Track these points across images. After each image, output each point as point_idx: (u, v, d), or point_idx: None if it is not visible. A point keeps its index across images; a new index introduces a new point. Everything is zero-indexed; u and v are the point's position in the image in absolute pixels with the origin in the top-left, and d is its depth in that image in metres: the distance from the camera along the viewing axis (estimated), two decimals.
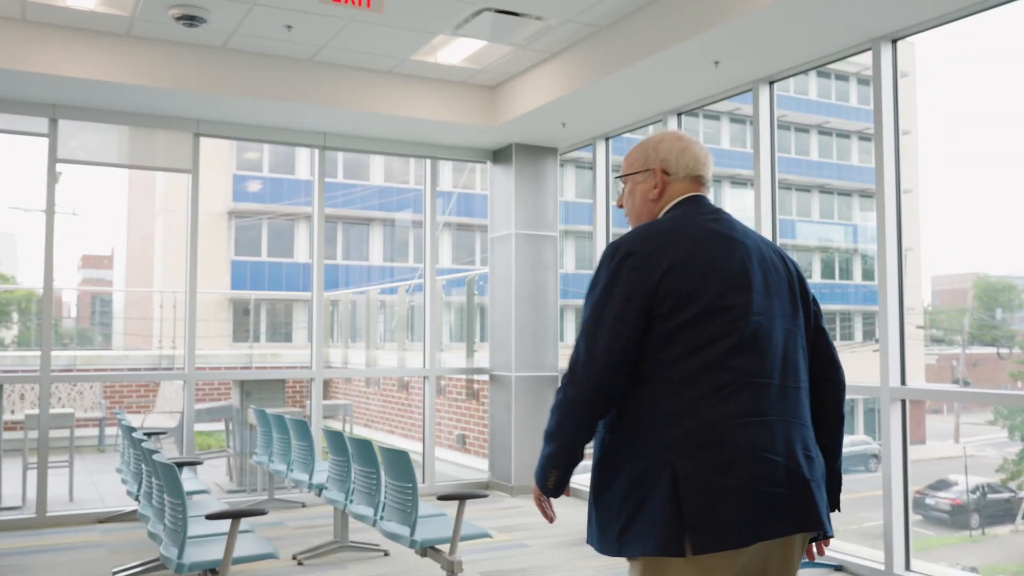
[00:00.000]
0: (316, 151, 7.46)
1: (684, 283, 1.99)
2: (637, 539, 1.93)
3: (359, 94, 6.68)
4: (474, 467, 8.72)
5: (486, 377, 8.25)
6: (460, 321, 10.74)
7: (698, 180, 2.21)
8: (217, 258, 23.28)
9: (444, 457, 8.44)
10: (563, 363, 7.97)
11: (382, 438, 11.65)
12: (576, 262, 22.65)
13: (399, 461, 4.19)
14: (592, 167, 7.60)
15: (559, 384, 2.19)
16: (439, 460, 8.01)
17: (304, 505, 7.05)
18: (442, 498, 4.01)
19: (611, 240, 2.52)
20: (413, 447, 10.56)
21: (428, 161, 7.94)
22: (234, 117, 6.85)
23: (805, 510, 1.97)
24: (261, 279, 24.70)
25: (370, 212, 25.64)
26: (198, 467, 6.11)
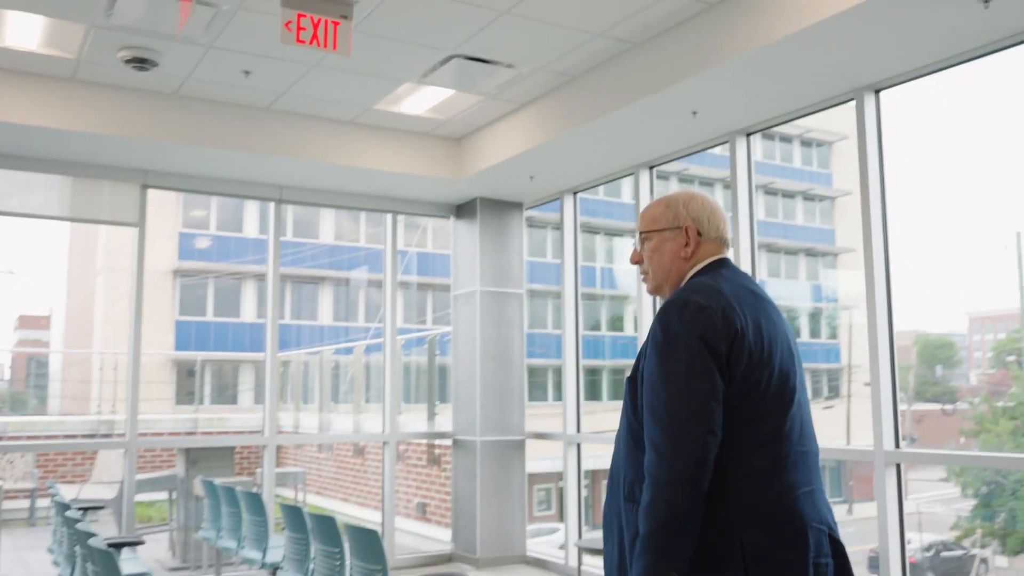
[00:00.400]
0: (271, 205, 7.11)
1: (755, 344, 1.96)
2: None
3: (318, 144, 6.39)
4: (436, 538, 8.25)
5: (449, 441, 7.85)
6: (419, 382, 10.34)
7: (724, 242, 2.20)
8: (161, 318, 22.56)
9: (403, 527, 7.98)
10: (531, 426, 7.62)
11: (336, 507, 11.09)
12: (531, 321, 22.43)
13: (367, 541, 3.80)
14: (558, 225, 7.37)
15: (647, 462, 1.91)
16: (397, 530, 7.55)
17: None
18: None
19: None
20: (369, 516, 10.05)
21: (389, 216, 7.63)
22: (185, 168, 6.49)
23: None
24: (206, 339, 23.98)
25: (321, 271, 25.18)
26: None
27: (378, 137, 6.60)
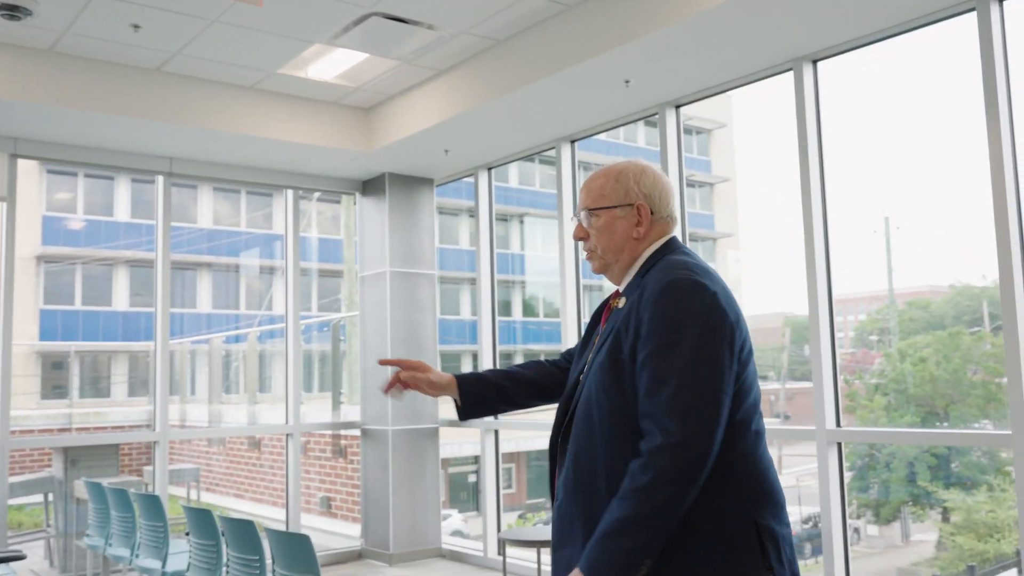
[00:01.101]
0: (160, 179, 6.50)
1: (745, 327, 1.92)
2: None
3: (214, 111, 5.83)
4: (343, 533, 7.81)
5: (356, 432, 7.42)
6: (321, 371, 9.82)
7: (675, 220, 2.09)
8: (24, 307, 21.01)
9: (307, 524, 7.50)
10: (446, 413, 7.27)
11: (230, 504, 10.45)
12: (445, 307, 22.08)
13: (295, 547, 3.39)
14: (472, 211, 7.03)
15: (649, 445, 1.78)
16: (302, 528, 7.06)
17: None
18: None
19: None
20: (266, 512, 9.49)
21: (290, 193, 7.11)
22: (61, 136, 5.82)
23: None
24: (75, 329, 22.51)
25: (201, 256, 24.00)
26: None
27: (281, 105, 6.10)
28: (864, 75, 4.89)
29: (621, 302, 1.97)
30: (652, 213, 2.02)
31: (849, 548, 4.56)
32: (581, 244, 2.09)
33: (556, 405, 2.13)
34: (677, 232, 2.09)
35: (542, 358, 2.45)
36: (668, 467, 1.73)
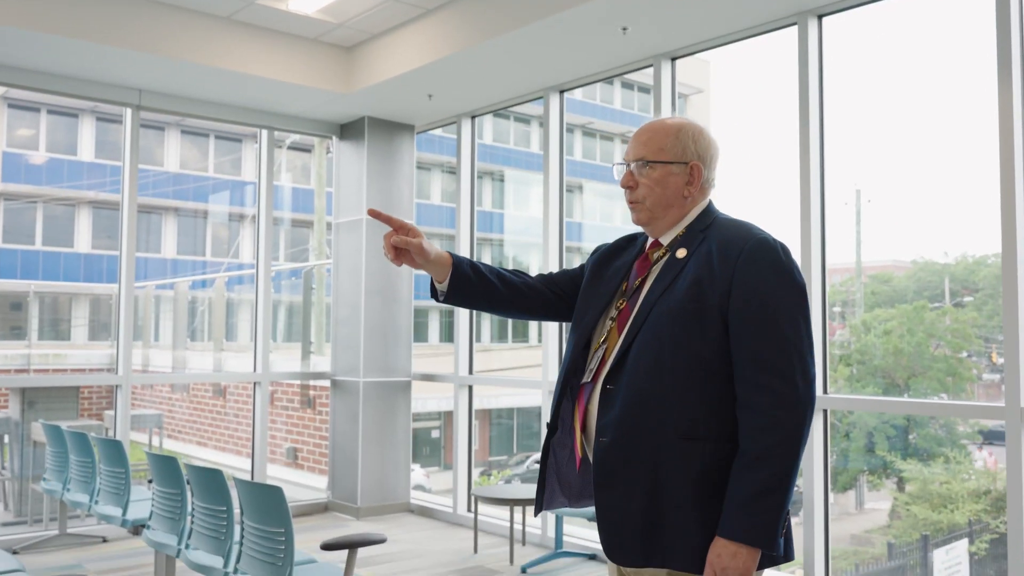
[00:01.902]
0: (128, 112, 6.20)
1: None
2: (785, 540, 1.91)
3: (187, 42, 5.54)
4: (309, 485, 7.67)
5: (326, 383, 7.24)
6: (290, 320, 9.60)
7: (714, 184, 2.12)
8: None
9: (272, 474, 7.34)
10: (419, 367, 7.11)
11: (192, 452, 10.25)
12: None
13: (266, 498, 3.23)
14: (451, 167, 6.80)
15: (767, 405, 1.85)
16: (268, 478, 6.90)
17: (105, 540, 5.80)
18: (328, 547, 3.08)
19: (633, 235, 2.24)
20: (230, 461, 9.32)
21: (263, 133, 6.84)
22: (21, 60, 5.49)
23: None
24: (34, 270, 21.97)
25: (167, 200, 23.47)
26: None
27: (258, 39, 5.81)
28: (843, 43, 4.73)
29: (680, 252, 1.99)
30: (705, 172, 2.06)
31: (829, 516, 4.52)
32: (626, 192, 2.10)
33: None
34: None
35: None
36: (794, 424, 1.83)
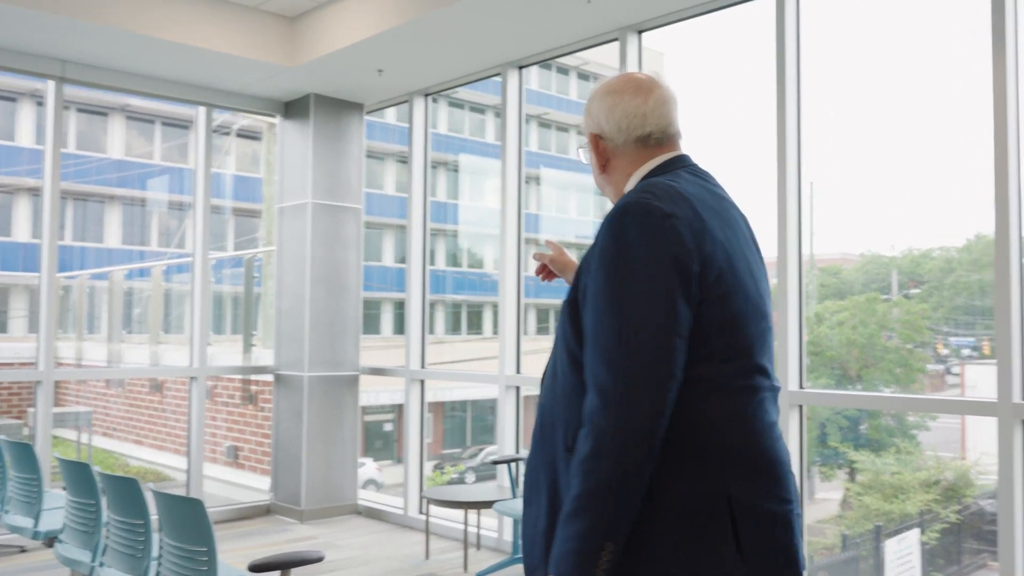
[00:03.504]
0: (50, 85, 5.71)
1: (728, 262, 1.59)
2: None
3: (115, 7, 5.07)
4: (250, 486, 7.24)
5: (269, 377, 6.82)
6: (232, 311, 9.12)
7: (660, 139, 1.75)
8: None
9: (211, 474, 6.90)
10: (371, 360, 6.72)
11: (128, 450, 9.72)
12: (368, 253, 21.44)
13: (186, 512, 2.83)
14: (403, 157, 6.41)
15: (587, 407, 1.52)
16: (205, 478, 6.46)
17: (23, 550, 5.33)
18: (257, 569, 2.70)
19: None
20: (168, 460, 8.84)
21: (202, 110, 6.38)
22: None
23: (801, 533, 1.70)
24: None
25: (109, 188, 22.65)
26: None
27: (194, 5, 5.36)
28: (808, 27, 4.47)
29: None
30: (603, 140, 1.77)
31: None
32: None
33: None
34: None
35: None
36: (610, 431, 1.46)
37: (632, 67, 4.95)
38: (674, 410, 1.51)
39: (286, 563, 2.76)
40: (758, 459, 1.58)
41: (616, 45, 5.03)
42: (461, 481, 17.93)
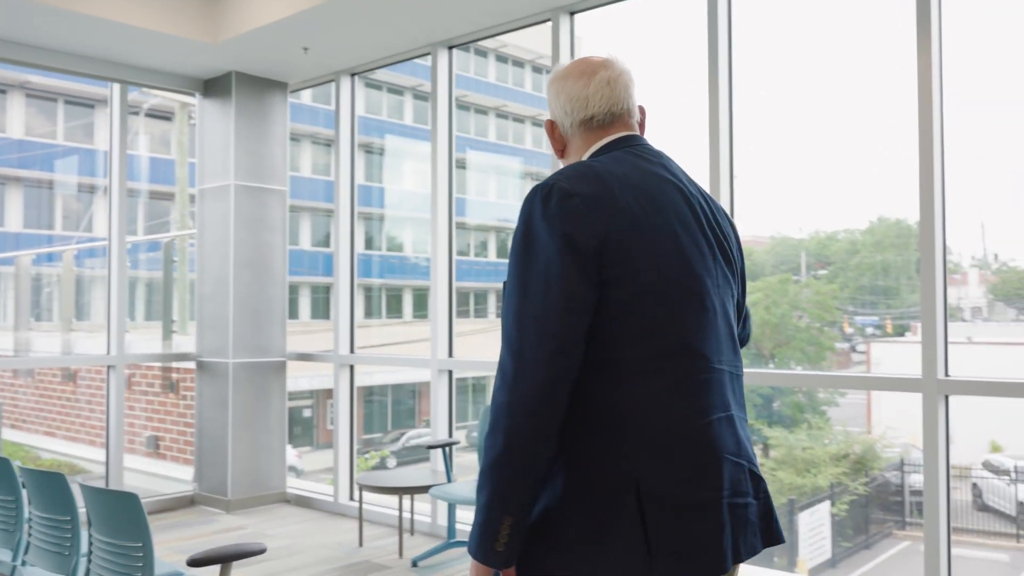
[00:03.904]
0: None
1: (640, 239, 1.57)
2: (589, 567, 1.49)
3: None
4: (172, 476, 7.03)
5: (191, 364, 6.61)
6: (148, 297, 8.81)
7: (607, 119, 1.76)
8: None
9: (131, 465, 6.66)
10: (295, 346, 6.59)
11: (39, 442, 9.32)
12: (293, 237, 20.96)
13: (121, 507, 2.72)
14: (329, 140, 6.27)
15: (495, 383, 1.56)
16: (126, 470, 6.24)
17: None
18: (196, 563, 2.60)
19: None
20: (82, 452, 8.52)
21: (116, 87, 6.11)
22: None
23: (768, 521, 1.68)
24: None
25: (10, 170, 21.62)
26: None
27: None
28: (739, 15, 4.54)
29: None
30: (559, 127, 1.80)
31: None
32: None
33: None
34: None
35: None
36: (503, 409, 1.50)
37: (564, 49, 4.93)
38: (584, 393, 1.53)
39: (226, 556, 2.67)
40: (676, 445, 1.54)
41: (548, 26, 5.01)
42: (383, 466, 17.83)
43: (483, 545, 1.50)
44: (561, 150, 1.82)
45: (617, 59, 1.80)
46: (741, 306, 1.87)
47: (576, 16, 4.95)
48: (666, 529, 1.50)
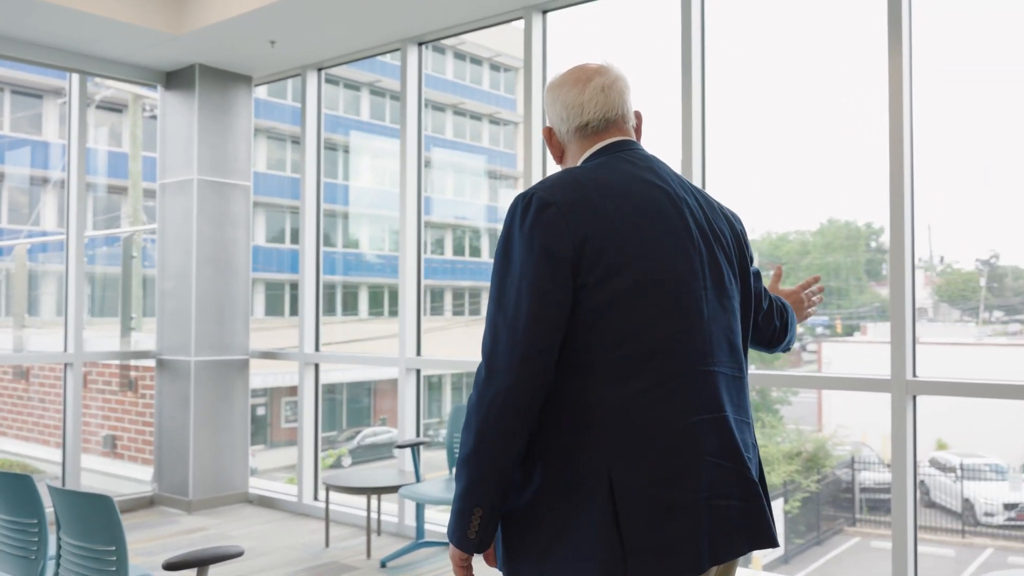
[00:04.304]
0: None
1: (616, 244, 1.60)
2: (565, 565, 1.55)
3: None
4: (131, 477, 6.88)
5: (150, 362, 6.48)
6: (104, 293, 8.60)
7: (601, 125, 1.78)
8: None
9: (86, 465, 6.51)
10: (262, 344, 6.50)
11: None
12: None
13: (94, 509, 2.65)
14: (296, 138, 6.19)
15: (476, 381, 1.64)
16: (83, 470, 6.09)
17: None
18: (172, 567, 2.54)
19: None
20: (35, 452, 8.32)
21: (75, 78, 5.96)
22: None
23: (757, 523, 1.68)
24: None
25: None
26: None
27: None
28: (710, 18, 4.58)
29: None
30: (556, 135, 1.84)
31: None
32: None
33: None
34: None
35: None
36: (476, 402, 1.59)
37: (536, 47, 4.92)
38: (561, 395, 1.59)
39: (203, 560, 2.62)
40: (650, 446, 1.55)
41: (509, 25, 5.01)
42: (339, 465, 17.67)
43: (457, 531, 1.61)
44: (559, 156, 1.86)
45: (612, 66, 1.84)
46: (759, 301, 1.93)
47: (548, 15, 4.94)
48: (640, 529, 1.52)
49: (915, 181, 3.78)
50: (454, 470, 1.73)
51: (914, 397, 3.71)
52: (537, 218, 1.58)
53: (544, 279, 1.55)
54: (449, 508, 4.88)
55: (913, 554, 3.71)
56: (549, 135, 1.85)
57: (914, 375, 3.72)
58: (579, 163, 1.78)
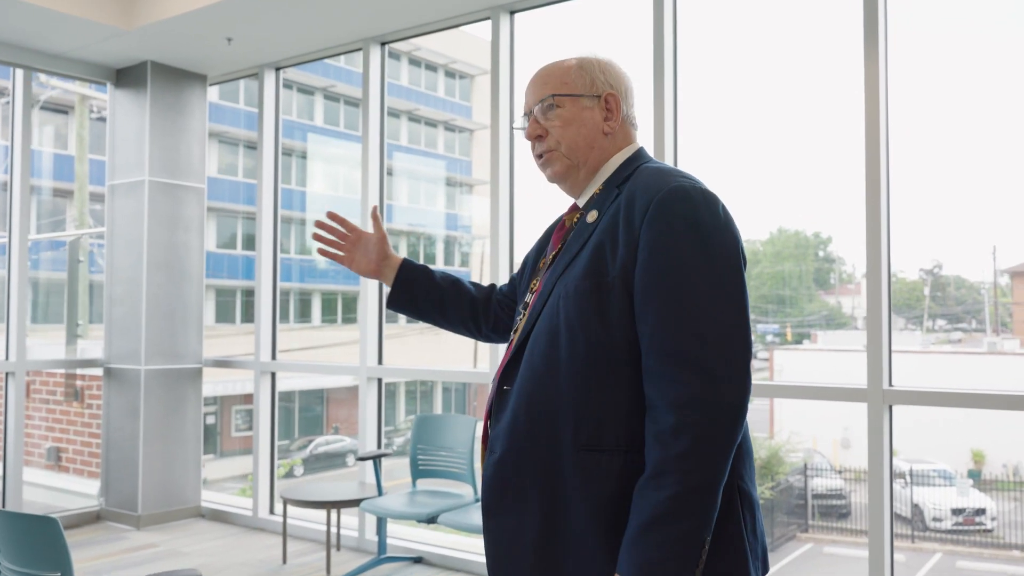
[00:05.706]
0: None
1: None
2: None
3: None
4: (76, 491, 6.58)
5: (97, 371, 6.21)
6: (48, 298, 8.28)
7: (636, 126, 1.76)
8: None
9: (28, 479, 6.21)
10: (211, 352, 6.27)
11: None
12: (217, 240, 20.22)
13: (37, 532, 2.45)
14: (252, 143, 5.99)
15: (670, 404, 1.45)
16: (25, 484, 5.80)
17: None
18: None
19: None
20: None
21: (19, 74, 5.70)
22: None
23: None
24: None
25: None
26: None
27: None
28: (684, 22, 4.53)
29: (591, 215, 1.63)
30: (622, 108, 1.71)
31: None
32: (535, 145, 1.72)
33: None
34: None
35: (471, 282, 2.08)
36: (709, 423, 1.41)
37: (504, 48, 4.81)
38: None
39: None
40: (750, 447, 1.62)
41: (462, 31, 4.89)
42: (292, 475, 17.32)
43: (685, 571, 1.41)
44: (608, 129, 1.69)
45: None
46: None
47: (516, 15, 4.83)
48: (755, 533, 1.57)
49: (891, 192, 3.74)
50: (668, 501, 1.39)
51: (890, 407, 3.67)
52: (726, 215, 1.54)
53: (744, 279, 1.52)
54: (414, 522, 4.75)
55: (890, 562, 3.66)
56: (617, 102, 1.70)
57: (890, 384, 3.68)
58: (624, 152, 1.70)
